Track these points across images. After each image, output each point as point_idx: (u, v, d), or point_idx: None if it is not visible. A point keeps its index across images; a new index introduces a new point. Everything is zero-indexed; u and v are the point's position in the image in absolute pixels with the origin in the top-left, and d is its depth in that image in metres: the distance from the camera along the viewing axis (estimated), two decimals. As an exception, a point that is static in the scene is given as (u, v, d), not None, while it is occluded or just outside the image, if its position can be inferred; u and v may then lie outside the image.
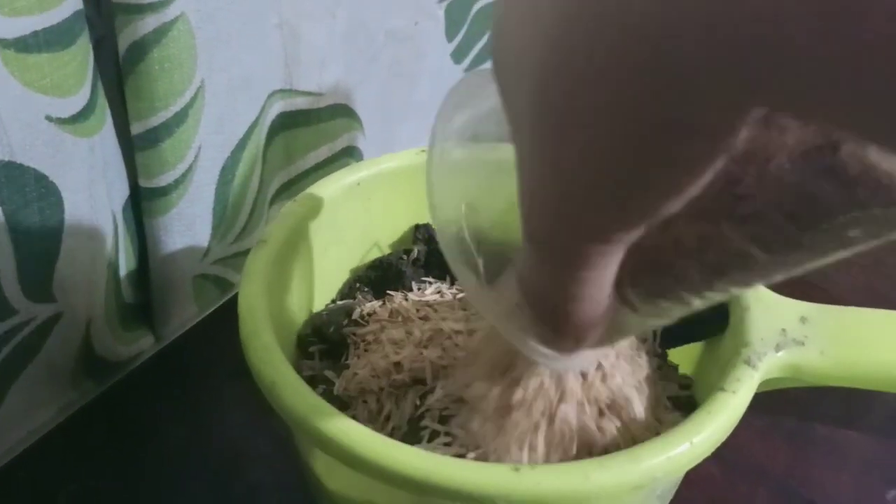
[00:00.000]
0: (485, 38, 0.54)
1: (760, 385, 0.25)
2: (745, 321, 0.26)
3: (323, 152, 0.42)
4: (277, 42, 0.36)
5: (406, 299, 0.30)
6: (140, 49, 0.29)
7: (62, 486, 0.32)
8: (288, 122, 0.40)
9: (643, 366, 0.26)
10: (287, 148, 0.40)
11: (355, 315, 0.29)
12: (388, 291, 0.31)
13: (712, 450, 0.23)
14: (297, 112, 0.40)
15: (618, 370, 0.25)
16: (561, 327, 0.18)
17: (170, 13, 0.29)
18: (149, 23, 0.29)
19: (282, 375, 0.24)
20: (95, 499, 0.32)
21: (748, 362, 0.24)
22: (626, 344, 0.26)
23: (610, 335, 0.19)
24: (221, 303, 0.40)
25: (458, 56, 0.51)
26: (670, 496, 0.27)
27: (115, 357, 0.36)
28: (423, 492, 0.21)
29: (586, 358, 0.23)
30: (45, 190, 0.28)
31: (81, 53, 0.28)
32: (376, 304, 0.30)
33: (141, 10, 0.28)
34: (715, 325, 0.27)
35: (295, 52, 0.37)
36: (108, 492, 0.32)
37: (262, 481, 0.33)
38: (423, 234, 0.34)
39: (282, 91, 0.38)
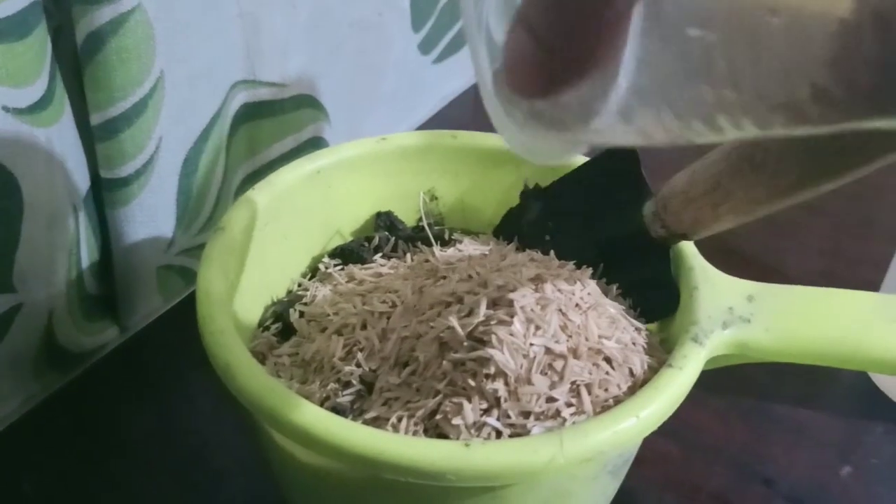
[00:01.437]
0: (454, 30, 0.54)
1: (711, 362, 0.26)
2: (694, 300, 0.26)
3: (288, 143, 0.43)
4: (238, 32, 0.36)
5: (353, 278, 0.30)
6: (97, 39, 0.29)
7: (26, 477, 0.32)
8: (252, 113, 0.40)
9: (640, 338, 0.27)
10: (251, 139, 0.41)
11: (307, 299, 0.30)
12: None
13: (658, 424, 0.23)
14: (261, 103, 0.40)
15: (618, 330, 0.26)
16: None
17: (126, 3, 0.29)
18: (105, 13, 0.29)
19: (236, 357, 0.24)
20: (60, 489, 0.32)
21: (695, 339, 0.25)
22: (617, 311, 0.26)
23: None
24: (187, 293, 0.40)
25: (425, 47, 0.52)
26: (623, 471, 0.28)
27: (78, 348, 0.36)
28: (375, 469, 0.22)
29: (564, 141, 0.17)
30: (2, 180, 0.28)
31: (38, 43, 0.28)
32: (326, 289, 0.30)
33: (97, 0, 0.28)
34: (667, 306, 0.28)
35: (256, 42, 0.37)
36: (73, 482, 0.32)
37: (227, 468, 0.33)
38: (384, 221, 0.34)
39: (244, 82, 0.38)
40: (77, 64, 0.31)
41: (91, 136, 0.32)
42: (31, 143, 0.29)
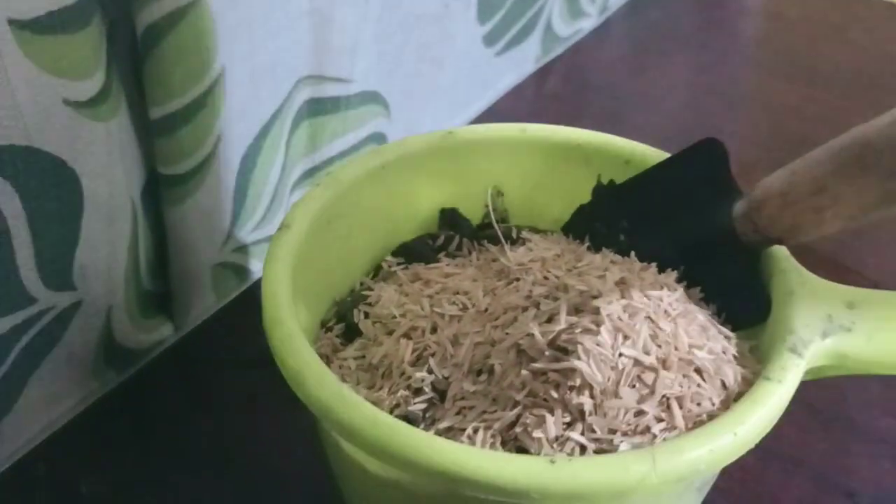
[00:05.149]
0: (522, 22, 0.52)
1: (807, 374, 0.24)
2: (790, 306, 0.24)
3: (349, 139, 0.41)
4: (307, 28, 0.35)
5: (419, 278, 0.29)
6: (156, 33, 0.28)
7: (84, 477, 0.32)
8: (316, 110, 0.39)
9: (730, 347, 0.25)
10: (313, 135, 0.40)
11: (372, 299, 0.29)
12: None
13: (756, 441, 0.22)
14: (326, 99, 0.39)
15: (709, 339, 0.24)
16: None
17: None
18: (164, 5, 0.28)
19: (306, 364, 0.23)
20: (118, 489, 0.32)
21: (793, 349, 0.23)
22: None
23: None
24: (239, 291, 0.40)
25: (489, 40, 0.50)
26: (708, 487, 0.26)
27: (135, 345, 0.35)
28: (453, 484, 0.21)
29: None
30: (63, 176, 0.27)
31: (95, 35, 0.27)
32: (392, 289, 0.29)
33: (157, -9, 0.27)
34: (757, 313, 0.26)
35: (325, 37, 0.36)
36: (130, 482, 0.32)
37: (285, 471, 0.32)
38: (449, 218, 0.33)
39: (310, 77, 0.37)
40: (134, 58, 0.30)
41: (147, 132, 0.32)
42: (91, 137, 0.28)
